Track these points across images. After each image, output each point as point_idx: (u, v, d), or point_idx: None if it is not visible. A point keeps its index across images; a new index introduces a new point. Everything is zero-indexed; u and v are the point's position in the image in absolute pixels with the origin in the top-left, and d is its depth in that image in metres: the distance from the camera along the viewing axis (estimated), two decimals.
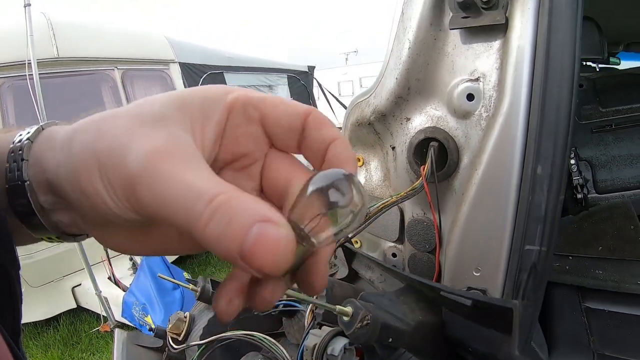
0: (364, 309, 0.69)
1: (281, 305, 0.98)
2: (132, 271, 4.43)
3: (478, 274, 0.88)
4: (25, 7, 3.75)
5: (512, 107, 0.79)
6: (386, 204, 0.91)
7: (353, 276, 1.35)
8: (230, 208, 0.28)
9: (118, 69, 5.24)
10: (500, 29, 0.84)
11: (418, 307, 0.87)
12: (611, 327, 1.83)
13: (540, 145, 0.75)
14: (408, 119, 0.99)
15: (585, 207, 2.56)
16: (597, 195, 2.62)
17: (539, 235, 0.79)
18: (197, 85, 5.82)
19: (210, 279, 1.21)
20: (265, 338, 0.94)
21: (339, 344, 0.73)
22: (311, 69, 8.98)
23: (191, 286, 1.14)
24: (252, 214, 0.28)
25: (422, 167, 0.91)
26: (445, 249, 0.97)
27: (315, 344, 0.73)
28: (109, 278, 4.28)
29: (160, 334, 1.29)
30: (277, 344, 0.92)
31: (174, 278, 3.65)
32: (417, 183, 0.90)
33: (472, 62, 0.88)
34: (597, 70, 3.31)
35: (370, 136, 1.12)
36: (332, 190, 0.28)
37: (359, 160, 1.22)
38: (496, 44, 0.85)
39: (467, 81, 0.88)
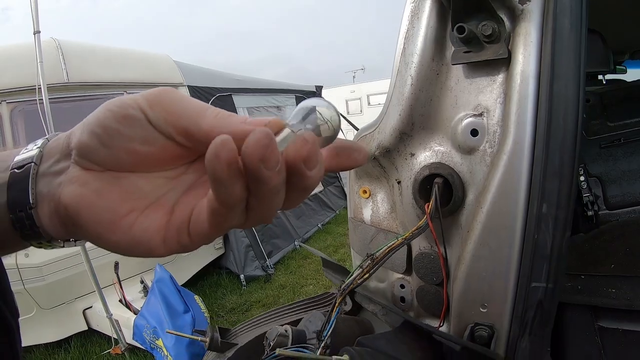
0: (358, 358, 0.68)
1: (287, 348, 0.97)
2: (142, 294, 4.42)
3: (485, 310, 0.86)
4: (34, 34, 3.79)
5: (516, 144, 0.78)
6: (392, 246, 0.90)
7: (357, 309, 1.34)
8: (226, 112, 0.37)
9: (127, 93, 5.20)
10: (503, 63, 0.83)
11: (418, 344, 0.86)
12: (625, 347, 1.80)
13: (545, 184, 0.74)
14: (412, 155, 0.98)
15: (597, 224, 2.53)
16: (608, 211, 2.59)
17: (545, 272, 0.77)
18: None
19: (219, 327, 1.21)
20: None
21: None
22: (318, 88, 9.00)
23: (200, 337, 1.14)
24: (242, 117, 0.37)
25: (426, 204, 0.90)
26: (452, 283, 0.95)
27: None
28: (120, 301, 4.30)
29: None
30: None
31: (184, 300, 3.67)
32: (422, 222, 0.89)
33: (476, 97, 0.87)
34: (604, 83, 3.28)
35: (376, 169, 1.11)
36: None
37: (365, 192, 1.21)
38: (499, 77, 0.84)
39: (470, 116, 0.88)
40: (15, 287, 3.68)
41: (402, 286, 1.16)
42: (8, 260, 3.90)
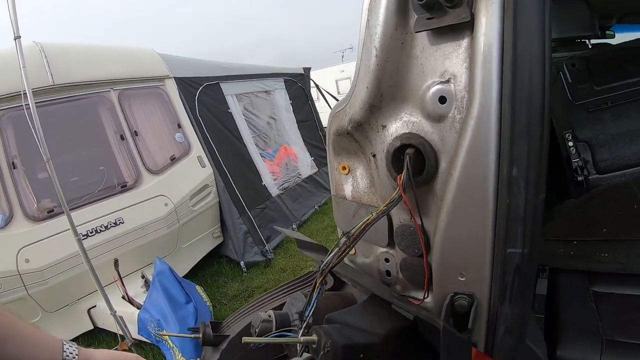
0: (324, 336, 0.68)
1: (260, 345, 0.96)
2: (144, 288, 4.44)
3: (463, 279, 0.85)
4: (15, 39, 3.74)
5: (483, 108, 0.76)
6: (367, 222, 0.89)
7: (341, 283, 1.34)
8: None
9: (114, 89, 5.23)
10: (467, 27, 0.81)
11: (388, 313, 0.85)
12: (620, 311, 1.82)
13: (514, 146, 0.72)
14: (384, 127, 0.97)
15: (587, 189, 2.54)
16: (598, 176, 2.60)
17: (520, 237, 0.76)
18: (195, 98, 5.83)
19: (210, 322, 1.23)
20: None
21: None
22: (307, 70, 8.96)
23: (194, 335, 1.18)
24: None
25: (398, 176, 0.88)
26: (431, 253, 0.94)
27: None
28: (123, 297, 4.32)
29: None
30: None
31: (185, 291, 3.68)
32: (394, 194, 0.87)
33: (442, 63, 0.85)
34: (590, 47, 3.27)
35: (352, 144, 1.10)
36: None
37: (344, 168, 1.19)
38: (464, 42, 0.82)
39: (438, 83, 0.86)
40: (18, 293, 3.66)
41: (387, 260, 1.16)
42: (9, 267, 3.95)
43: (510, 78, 0.73)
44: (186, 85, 5.84)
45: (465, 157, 0.79)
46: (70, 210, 3.87)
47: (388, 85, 0.92)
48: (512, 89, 0.73)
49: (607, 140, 2.60)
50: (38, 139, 3.72)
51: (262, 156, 6.68)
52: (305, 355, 0.75)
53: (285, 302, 1.12)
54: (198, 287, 4.24)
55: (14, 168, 4.37)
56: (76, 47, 5.44)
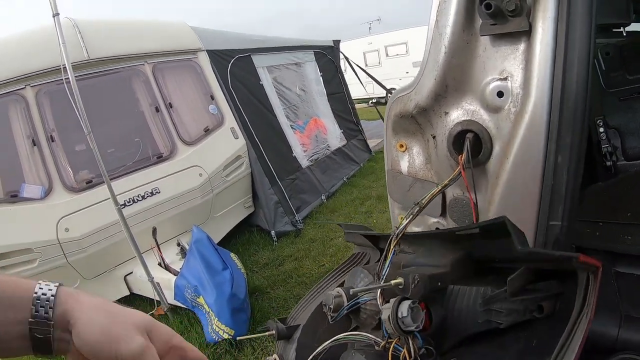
0: (410, 273, 0.87)
1: (345, 310, 1.13)
2: (180, 256, 4.67)
3: None
4: (54, 16, 3.87)
5: (536, 104, 0.95)
6: (434, 193, 1.08)
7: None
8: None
9: (148, 63, 5.43)
10: (525, 34, 0.99)
11: (447, 251, 1.04)
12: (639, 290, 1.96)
13: (560, 139, 0.91)
14: (447, 113, 1.16)
15: (615, 174, 2.63)
16: (626, 162, 2.69)
17: (560, 213, 0.95)
18: (227, 70, 6.00)
19: (277, 319, 1.37)
20: (355, 333, 1.11)
21: (405, 306, 0.90)
22: (336, 42, 9.08)
23: (267, 333, 1.30)
24: None
25: (459, 155, 1.08)
26: None
27: (389, 315, 0.91)
28: (159, 264, 4.54)
29: None
30: (363, 333, 1.09)
31: (222, 258, 3.90)
32: (456, 172, 1.07)
33: (501, 63, 1.04)
34: (624, 34, 3.33)
35: (412, 126, 1.29)
36: None
37: (402, 146, 1.38)
38: (521, 47, 1.01)
39: (497, 80, 1.04)
40: (58, 261, 3.91)
41: (438, 229, 1.35)
42: (49, 237, 4.22)
43: (561, 82, 0.91)
44: (218, 57, 6.02)
45: (520, 144, 0.98)
46: (109, 180, 4.13)
47: (453, 78, 1.11)
48: (562, 91, 0.91)
49: (637, 128, 2.70)
50: (79, 112, 3.91)
51: (292, 128, 6.87)
52: (396, 280, 0.92)
53: (344, 281, 1.30)
54: (233, 255, 4.46)
55: (52, 141, 4.63)
56: (109, 22, 5.65)
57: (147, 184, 4.89)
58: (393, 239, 1.04)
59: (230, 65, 6.08)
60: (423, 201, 1.06)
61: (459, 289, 0.95)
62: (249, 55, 6.50)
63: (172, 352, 0.70)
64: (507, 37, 1.02)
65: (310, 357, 1.12)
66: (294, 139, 6.77)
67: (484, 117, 1.09)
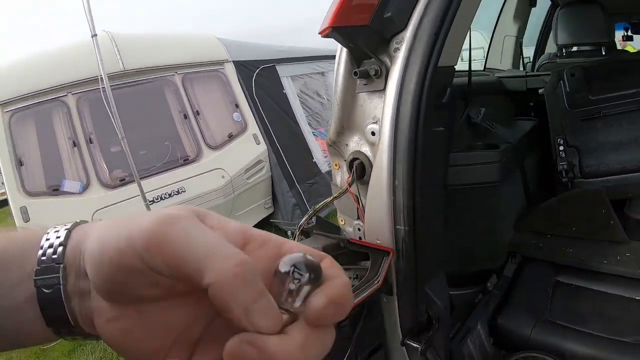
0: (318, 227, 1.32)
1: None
2: None
3: (379, 242, 1.48)
4: (92, 37, 4.58)
5: (383, 142, 1.38)
6: (326, 202, 1.54)
7: None
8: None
9: (178, 73, 6.06)
10: (383, 91, 1.43)
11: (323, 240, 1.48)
12: (573, 300, 2.22)
13: (395, 166, 1.35)
14: (347, 145, 1.59)
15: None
16: (582, 180, 2.91)
17: (401, 220, 1.38)
18: (252, 80, 6.49)
19: None
20: None
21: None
22: None
23: None
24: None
25: (347, 177, 1.53)
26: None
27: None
28: None
29: None
30: None
31: None
32: (343, 188, 1.52)
33: (373, 111, 1.47)
34: (603, 54, 3.44)
35: (336, 151, 1.73)
36: (294, 270, 0.37)
37: (336, 165, 1.82)
38: (382, 99, 1.44)
39: (371, 123, 1.47)
40: None
41: (359, 228, 1.78)
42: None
43: (395, 125, 1.35)
44: (244, 68, 6.53)
45: (376, 170, 1.42)
46: (139, 179, 4.70)
47: (346, 121, 1.55)
48: (394, 133, 1.35)
49: (595, 147, 2.88)
50: (113, 119, 4.52)
51: (314, 135, 7.28)
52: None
53: None
54: None
55: (91, 143, 5.29)
56: (143, 35, 6.37)
57: (174, 183, 5.48)
58: (297, 230, 1.49)
59: (255, 75, 6.58)
60: (317, 206, 1.52)
61: None
62: (274, 65, 6.97)
63: (252, 242, 0.43)
64: (375, 93, 1.45)
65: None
66: (315, 145, 7.18)
67: (366, 149, 1.52)
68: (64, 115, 5.33)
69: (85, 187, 5.16)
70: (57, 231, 0.48)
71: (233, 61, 6.52)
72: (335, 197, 1.55)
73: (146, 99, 5.99)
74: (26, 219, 4.75)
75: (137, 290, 0.41)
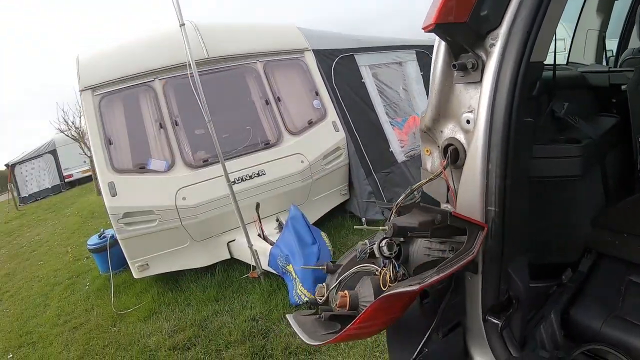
0: (391, 223, 1.47)
1: (366, 252, 1.76)
2: (277, 230, 5.47)
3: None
4: (180, 26, 4.85)
5: (479, 129, 1.52)
6: (421, 184, 1.69)
7: None
8: None
9: (260, 61, 6.34)
10: (479, 83, 1.56)
11: (419, 216, 1.61)
12: None
13: (490, 152, 1.48)
14: (441, 131, 1.74)
15: None
16: None
17: (493, 201, 1.52)
18: (331, 68, 6.69)
19: (330, 262, 1.96)
20: (365, 265, 1.73)
21: (384, 241, 1.49)
22: None
23: (320, 267, 1.89)
24: None
25: (442, 161, 1.67)
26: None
27: (376, 246, 1.53)
28: (259, 235, 5.35)
29: (311, 300, 1.92)
30: (369, 264, 1.70)
31: (312, 234, 4.61)
32: (438, 171, 1.66)
33: (468, 101, 1.60)
34: None
35: (430, 137, 1.87)
36: None
37: (427, 151, 1.96)
38: (478, 90, 1.57)
39: (467, 112, 1.61)
40: (174, 223, 4.96)
41: (414, 203, 1.89)
42: (169, 203, 5.13)
43: (491, 114, 1.48)
44: (323, 56, 6.74)
45: (471, 155, 1.56)
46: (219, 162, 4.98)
47: (443, 110, 1.69)
48: (490, 120, 1.48)
49: None
50: (201, 103, 4.80)
51: (391, 124, 7.38)
52: (383, 227, 1.53)
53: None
54: (323, 233, 5.18)
55: (176, 125, 5.62)
56: (225, 25, 6.60)
57: (254, 166, 5.72)
58: (394, 207, 1.65)
59: (334, 63, 6.78)
60: (414, 186, 1.67)
61: (419, 239, 1.56)
62: (352, 54, 7.14)
63: None
64: (471, 84, 1.58)
65: (337, 281, 1.76)
66: (392, 134, 7.28)
67: (460, 136, 1.66)
68: (151, 98, 5.71)
69: (170, 166, 5.48)
70: None
71: (313, 49, 6.74)
72: (431, 179, 1.69)
73: (229, 85, 6.29)
74: (114, 194, 5.11)
75: None
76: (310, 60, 6.70)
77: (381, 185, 6.64)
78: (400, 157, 7.24)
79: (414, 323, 1.74)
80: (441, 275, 1.28)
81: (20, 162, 23.77)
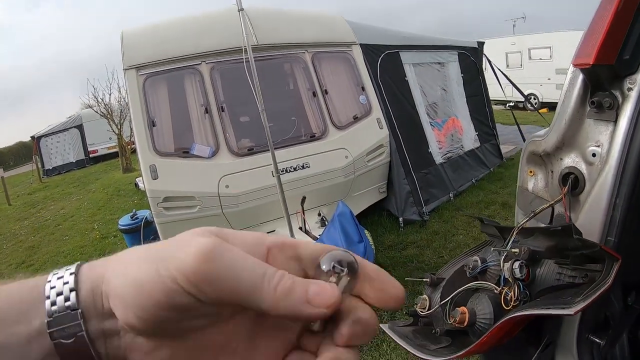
0: (523, 246, 1.64)
1: (479, 269, 1.89)
2: (319, 224, 5.59)
3: None
4: (239, 11, 4.92)
5: (610, 165, 1.69)
6: (545, 207, 1.85)
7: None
8: (288, 277, 0.43)
9: (308, 51, 6.41)
10: (613, 122, 1.72)
11: (544, 240, 1.76)
12: None
13: (619, 188, 1.65)
14: (561, 159, 1.90)
15: None
16: None
17: (614, 232, 1.70)
18: (377, 64, 6.76)
19: (430, 274, 2.07)
20: (482, 282, 1.87)
21: (517, 263, 1.65)
22: (480, 44, 9.56)
23: (424, 279, 1.98)
24: (305, 281, 0.44)
25: (564, 187, 1.84)
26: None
27: (508, 267, 1.68)
28: (300, 228, 5.41)
29: (412, 312, 1.93)
30: (488, 283, 1.86)
31: (359, 232, 4.74)
32: (559, 196, 1.83)
33: (597, 136, 1.77)
34: None
35: (539, 160, 2.03)
36: (334, 265, 0.45)
37: (531, 172, 2.13)
38: (610, 128, 1.73)
39: (593, 145, 1.78)
40: (215, 210, 5.12)
41: (540, 227, 2.08)
42: (211, 190, 5.13)
43: (627, 153, 1.65)
44: (370, 51, 6.84)
45: (598, 187, 1.73)
46: (265, 151, 5.06)
47: (568, 139, 1.86)
48: (624, 159, 1.65)
49: None
50: (255, 91, 4.82)
51: (431, 125, 7.51)
52: (515, 249, 1.69)
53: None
54: (367, 232, 5.31)
55: (222, 111, 5.66)
56: (275, 11, 6.64)
57: (299, 158, 5.81)
58: (515, 229, 1.82)
59: (380, 59, 6.89)
60: (538, 210, 1.84)
61: (547, 261, 1.73)
62: (397, 51, 7.27)
63: (272, 248, 0.48)
64: (604, 121, 1.75)
65: (451, 296, 1.91)
66: (431, 135, 7.43)
67: (583, 167, 1.83)
68: (196, 82, 5.75)
69: (214, 153, 5.53)
70: (61, 277, 0.45)
71: (360, 44, 6.80)
72: (553, 204, 1.86)
73: (276, 74, 6.40)
74: (155, 177, 5.15)
75: (184, 324, 0.43)
76: (358, 54, 6.77)
77: (419, 185, 6.80)
78: (437, 158, 7.39)
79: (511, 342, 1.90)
80: (587, 302, 1.45)
81: (46, 135, 24.27)
